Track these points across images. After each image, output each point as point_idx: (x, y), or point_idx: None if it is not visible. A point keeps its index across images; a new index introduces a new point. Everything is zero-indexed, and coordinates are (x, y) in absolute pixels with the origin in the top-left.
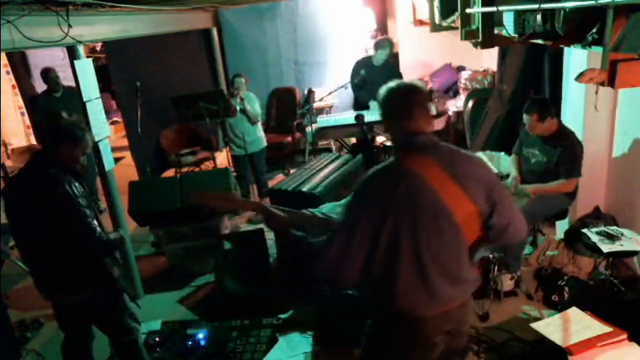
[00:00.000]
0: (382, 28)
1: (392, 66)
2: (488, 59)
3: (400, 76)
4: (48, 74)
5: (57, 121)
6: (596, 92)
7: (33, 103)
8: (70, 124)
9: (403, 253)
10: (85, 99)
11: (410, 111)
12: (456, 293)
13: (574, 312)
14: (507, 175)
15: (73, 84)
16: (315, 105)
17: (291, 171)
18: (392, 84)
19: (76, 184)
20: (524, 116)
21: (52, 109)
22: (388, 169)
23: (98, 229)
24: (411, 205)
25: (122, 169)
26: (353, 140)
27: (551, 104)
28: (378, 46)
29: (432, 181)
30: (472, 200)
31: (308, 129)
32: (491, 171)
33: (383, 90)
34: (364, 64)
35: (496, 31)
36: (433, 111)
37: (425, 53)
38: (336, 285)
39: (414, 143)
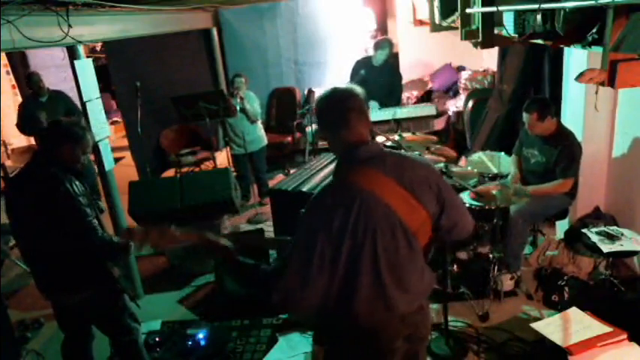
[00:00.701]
0: (382, 28)
1: (392, 66)
2: (488, 59)
3: (400, 76)
4: (31, 78)
5: (40, 124)
6: (596, 92)
7: (20, 108)
8: (70, 124)
9: (362, 270)
10: (85, 99)
11: (345, 120)
12: (413, 299)
13: (574, 312)
14: (507, 175)
15: (72, 84)
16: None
17: (291, 171)
18: (325, 91)
19: (77, 183)
20: (524, 115)
21: (37, 115)
22: (337, 189)
23: (98, 228)
24: (366, 224)
25: (122, 169)
26: None
27: (552, 104)
28: (377, 46)
29: (384, 195)
30: (424, 206)
31: (308, 129)
32: (438, 172)
33: (317, 98)
34: (364, 64)
35: (496, 31)
36: (433, 111)
37: (425, 53)
38: (295, 312)
39: (356, 156)
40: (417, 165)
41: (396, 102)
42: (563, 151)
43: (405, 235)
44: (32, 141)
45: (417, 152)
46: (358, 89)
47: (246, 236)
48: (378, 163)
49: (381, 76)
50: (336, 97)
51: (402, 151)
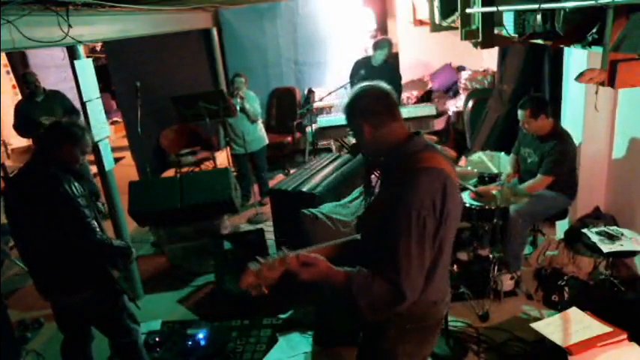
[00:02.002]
0: (382, 28)
1: (391, 66)
2: (488, 59)
3: (399, 76)
4: (27, 78)
5: (37, 124)
6: (596, 92)
7: (17, 109)
8: (70, 124)
9: (444, 247)
10: (85, 99)
11: (394, 114)
12: (447, 285)
13: (574, 312)
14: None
15: (72, 84)
16: (315, 105)
17: (291, 171)
18: (362, 87)
19: (76, 184)
20: (519, 112)
21: (33, 115)
22: (431, 172)
23: (98, 229)
24: (452, 203)
25: (122, 169)
26: (353, 140)
27: (548, 103)
28: (376, 46)
29: (454, 175)
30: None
31: (308, 129)
32: None
33: (357, 97)
34: (363, 64)
35: (496, 31)
36: (433, 111)
37: (425, 53)
38: (415, 299)
39: (420, 144)
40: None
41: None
42: (553, 148)
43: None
44: (31, 141)
45: None
46: (385, 85)
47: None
48: (434, 148)
49: (380, 76)
50: (380, 93)
51: None
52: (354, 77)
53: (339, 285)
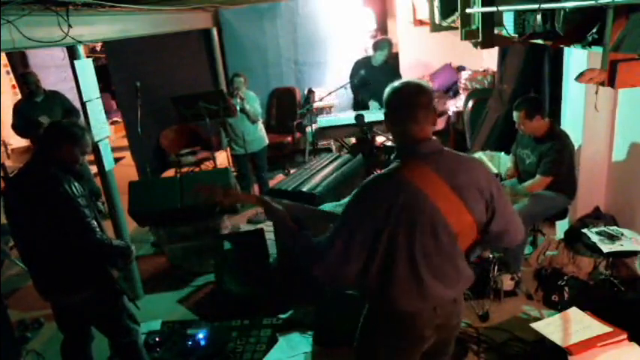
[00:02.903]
0: (382, 28)
1: (391, 66)
2: (488, 59)
3: (399, 77)
4: (28, 78)
5: (37, 125)
6: (596, 92)
7: (15, 109)
8: (70, 124)
9: (399, 259)
10: (85, 99)
11: (414, 115)
12: (448, 292)
13: (574, 312)
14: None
15: (72, 84)
16: (315, 105)
17: (291, 171)
18: (397, 83)
19: (76, 184)
20: (514, 113)
21: (32, 115)
22: (389, 178)
23: (97, 229)
24: (408, 217)
25: (122, 169)
26: (353, 140)
27: (543, 104)
28: (376, 47)
29: (431, 193)
30: (471, 211)
31: (308, 129)
32: (493, 176)
33: (387, 90)
34: (364, 64)
35: (496, 31)
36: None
37: (425, 53)
38: (331, 285)
39: (416, 152)
40: (472, 168)
41: None
42: (551, 149)
43: (446, 233)
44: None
45: None
46: (428, 84)
47: (296, 205)
48: (433, 161)
49: (380, 76)
50: (408, 91)
51: None
52: (354, 77)
53: (288, 234)
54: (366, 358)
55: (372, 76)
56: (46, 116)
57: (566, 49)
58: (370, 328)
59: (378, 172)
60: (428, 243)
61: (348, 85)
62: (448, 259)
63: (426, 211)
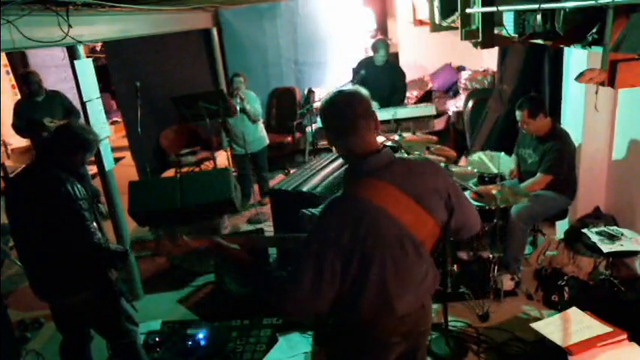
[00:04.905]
0: (382, 28)
1: (394, 65)
2: (489, 59)
3: (403, 74)
4: (30, 77)
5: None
6: (596, 92)
7: (16, 108)
8: (81, 130)
9: (368, 277)
10: (85, 99)
11: (354, 127)
12: (415, 300)
13: (574, 312)
14: (507, 175)
15: (72, 84)
16: (315, 105)
17: (291, 171)
18: (329, 96)
19: (78, 186)
20: (517, 112)
21: (33, 115)
22: (345, 204)
23: (98, 233)
24: (375, 240)
25: (122, 169)
26: None
27: (544, 103)
28: (374, 49)
29: (393, 210)
30: (432, 215)
31: (308, 129)
32: (445, 172)
33: (321, 102)
34: (366, 64)
35: (496, 31)
36: (432, 111)
37: (425, 53)
38: (301, 317)
39: (365, 168)
40: (426, 172)
41: (401, 100)
42: (552, 148)
43: (412, 245)
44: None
45: (417, 152)
46: (363, 91)
47: (252, 237)
48: (387, 174)
49: (383, 75)
50: (343, 101)
51: (403, 152)
52: (355, 77)
53: (245, 273)
54: None
55: (375, 76)
56: (49, 118)
57: (566, 49)
58: (335, 338)
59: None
60: (395, 256)
61: (349, 85)
62: (415, 266)
63: (390, 228)
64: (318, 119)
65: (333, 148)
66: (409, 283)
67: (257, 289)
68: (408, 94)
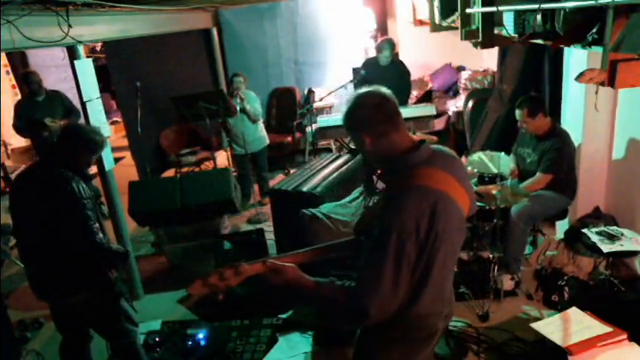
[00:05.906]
0: (382, 28)
1: (398, 65)
2: (489, 59)
3: (408, 73)
4: (30, 77)
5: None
6: (596, 92)
7: (17, 108)
8: (89, 131)
9: (435, 268)
10: (85, 99)
11: (395, 122)
12: (452, 281)
13: (574, 312)
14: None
15: (72, 84)
16: (315, 105)
17: (291, 171)
18: (359, 95)
19: (84, 185)
20: (517, 111)
21: (34, 115)
22: (419, 192)
23: (100, 233)
24: (445, 225)
25: (122, 169)
26: None
27: (544, 102)
28: (379, 49)
29: (453, 194)
30: (470, 196)
31: (308, 129)
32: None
33: (353, 105)
34: (370, 64)
35: (496, 31)
36: (433, 111)
37: (425, 53)
38: (384, 317)
39: (416, 159)
40: (455, 158)
41: (406, 100)
42: (552, 147)
43: (465, 227)
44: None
45: None
46: (385, 90)
47: (298, 253)
48: (437, 162)
49: (388, 75)
50: (379, 100)
51: None
52: (356, 77)
53: (307, 292)
54: None
55: (379, 76)
56: (49, 118)
57: (566, 49)
58: (381, 331)
59: (378, 174)
60: (454, 240)
61: (349, 85)
62: (460, 248)
63: (455, 211)
64: (319, 119)
65: (360, 154)
66: (454, 264)
67: (321, 305)
68: None
